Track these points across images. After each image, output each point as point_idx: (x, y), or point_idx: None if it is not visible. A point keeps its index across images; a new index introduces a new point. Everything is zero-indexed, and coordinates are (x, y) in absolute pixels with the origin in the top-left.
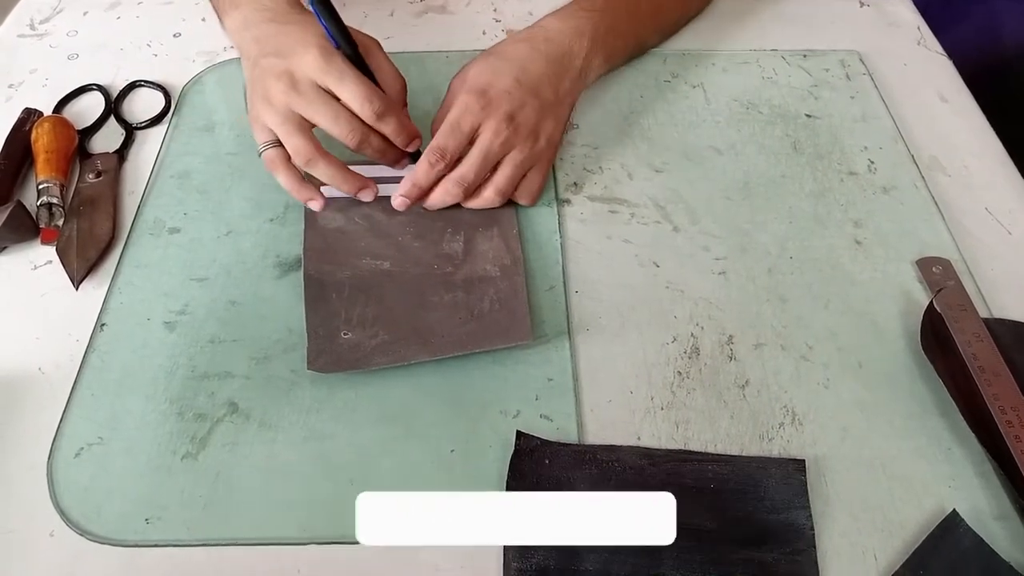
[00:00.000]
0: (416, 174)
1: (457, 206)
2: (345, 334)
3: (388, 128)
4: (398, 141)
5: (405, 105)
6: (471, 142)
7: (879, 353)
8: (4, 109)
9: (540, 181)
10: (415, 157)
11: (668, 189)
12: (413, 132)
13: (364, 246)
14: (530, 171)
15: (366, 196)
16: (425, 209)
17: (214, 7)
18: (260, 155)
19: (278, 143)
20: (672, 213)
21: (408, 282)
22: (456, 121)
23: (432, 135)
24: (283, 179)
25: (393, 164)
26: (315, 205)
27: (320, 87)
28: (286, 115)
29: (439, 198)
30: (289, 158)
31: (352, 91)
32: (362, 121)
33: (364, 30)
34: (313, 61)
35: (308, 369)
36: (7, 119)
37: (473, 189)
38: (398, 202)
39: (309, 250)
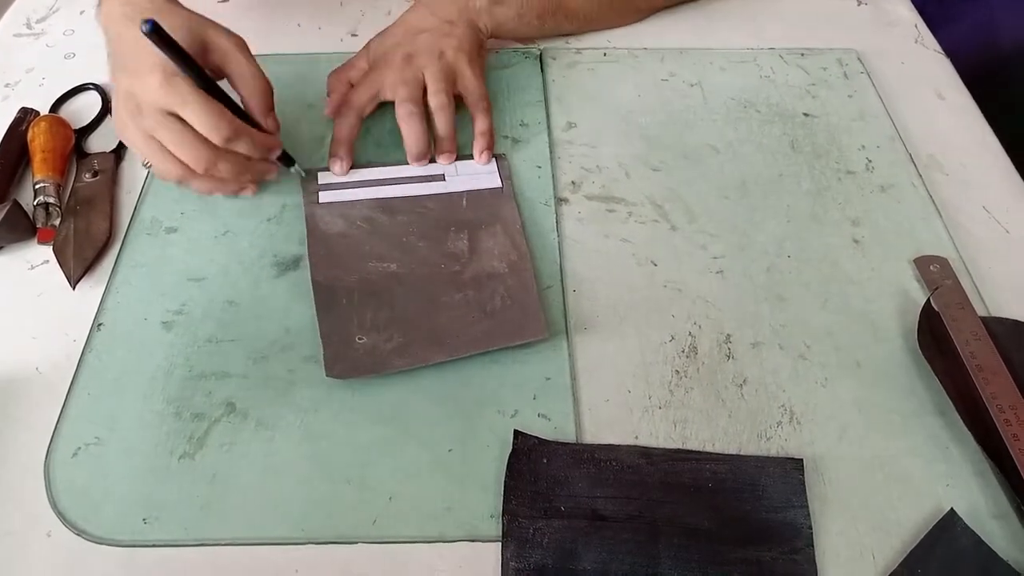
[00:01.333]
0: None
1: (457, 207)
2: (360, 339)
3: (242, 149)
4: (256, 155)
5: (271, 108)
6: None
7: (877, 352)
8: (0, 108)
9: (472, 78)
10: (288, 160)
11: (666, 188)
12: (270, 143)
13: (369, 249)
14: (458, 79)
15: (248, 192)
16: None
17: None
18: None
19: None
20: (670, 212)
21: (417, 283)
22: (362, 80)
23: None
24: (195, 189)
25: (257, 179)
26: (249, 192)
27: (166, 111)
28: (144, 139)
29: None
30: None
31: (197, 117)
32: (213, 145)
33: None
34: (155, 86)
35: (327, 376)
36: (3, 119)
37: (418, 99)
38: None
39: (313, 256)
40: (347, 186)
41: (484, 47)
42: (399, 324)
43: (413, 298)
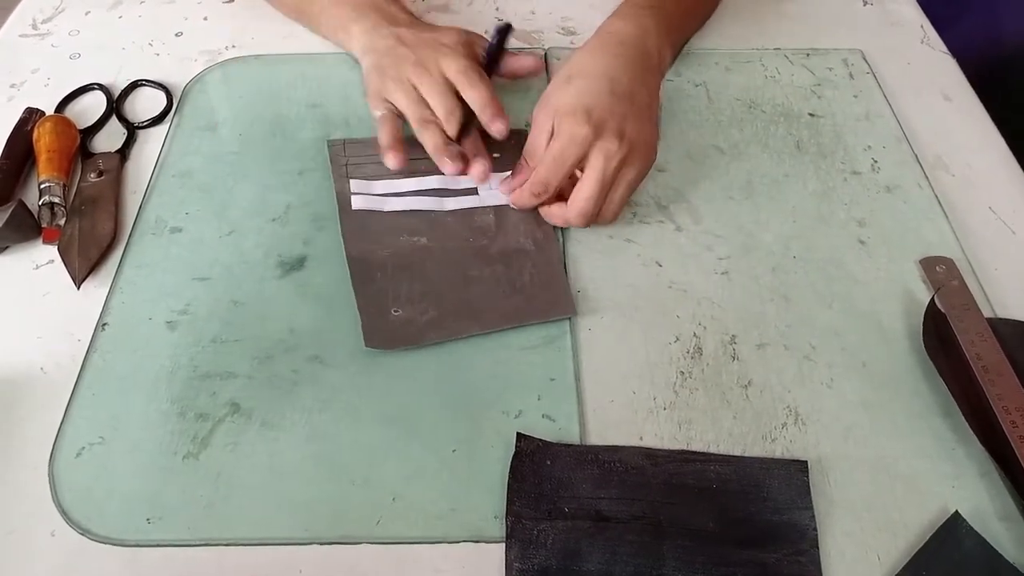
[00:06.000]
0: (521, 199)
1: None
2: (395, 311)
3: (448, 122)
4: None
5: (498, 114)
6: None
7: (883, 353)
8: (6, 109)
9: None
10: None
11: (671, 188)
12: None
13: (400, 224)
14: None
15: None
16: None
17: (308, 18)
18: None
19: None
20: (675, 212)
21: (447, 257)
22: (561, 152)
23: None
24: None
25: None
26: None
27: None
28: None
29: (548, 217)
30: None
31: (479, 94)
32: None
33: None
34: (456, 53)
35: (366, 347)
36: (9, 119)
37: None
38: (512, 196)
39: (347, 232)
40: (377, 185)
41: None
42: (432, 297)
43: (444, 272)
